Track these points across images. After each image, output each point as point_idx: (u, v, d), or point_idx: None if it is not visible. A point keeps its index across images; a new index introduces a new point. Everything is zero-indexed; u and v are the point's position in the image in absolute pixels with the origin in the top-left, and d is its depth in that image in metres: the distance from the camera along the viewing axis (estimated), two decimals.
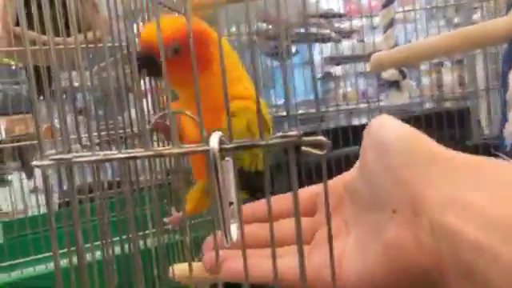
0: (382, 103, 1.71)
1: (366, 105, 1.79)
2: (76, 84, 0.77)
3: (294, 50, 2.04)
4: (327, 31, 1.98)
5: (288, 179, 0.29)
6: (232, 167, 0.33)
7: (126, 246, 0.57)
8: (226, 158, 0.33)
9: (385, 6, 0.81)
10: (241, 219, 0.32)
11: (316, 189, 0.36)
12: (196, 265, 0.40)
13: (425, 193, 0.25)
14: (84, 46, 0.66)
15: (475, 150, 1.52)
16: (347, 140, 1.59)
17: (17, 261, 1.07)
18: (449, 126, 1.56)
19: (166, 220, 0.66)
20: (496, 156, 0.65)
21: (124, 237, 0.62)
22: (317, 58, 2.15)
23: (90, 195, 0.42)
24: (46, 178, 0.34)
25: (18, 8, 0.36)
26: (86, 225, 0.41)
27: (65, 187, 0.96)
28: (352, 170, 0.32)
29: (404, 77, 0.78)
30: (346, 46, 2.45)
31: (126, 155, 0.33)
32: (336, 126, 1.74)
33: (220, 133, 0.31)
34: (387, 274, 0.26)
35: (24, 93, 1.49)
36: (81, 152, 0.36)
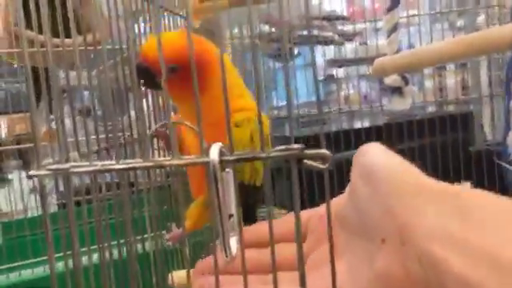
0: (384, 106, 1.70)
1: (367, 107, 1.78)
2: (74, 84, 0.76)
3: (296, 52, 2.04)
4: (330, 34, 1.97)
5: (289, 184, 0.29)
6: (232, 179, 0.32)
7: (125, 250, 0.57)
8: (227, 170, 0.32)
9: (389, 10, 0.80)
10: (241, 232, 0.32)
11: (306, 214, 0.36)
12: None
13: (412, 222, 0.25)
14: (83, 47, 0.66)
15: (478, 156, 1.51)
16: (349, 143, 1.58)
17: (15, 264, 1.06)
18: (452, 130, 1.55)
19: (166, 237, 0.66)
20: (499, 165, 0.64)
21: (122, 241, 0.62)
22: (319, 61, 2.15)
23: (88, 197, 0.41)
24: (42, 188, 0.33)
25: (17, 8, 0.35)
26: (84, 227, 0.41)
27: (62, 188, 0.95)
28: (342, 195, 0.32)
29: (406, 83, 0.78)
30: (348, 48, 2.44)
31: (125, 166, 0.32)
32: (338, 130, 1.73)
33: (220, 144, 0.30)
34: None
35: (25, 91, 1.48)
36: (79, 161, 0.36)
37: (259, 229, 0.37)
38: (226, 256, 0.31)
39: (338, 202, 0.32)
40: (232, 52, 1.48)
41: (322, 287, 0.28)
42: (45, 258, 1.04)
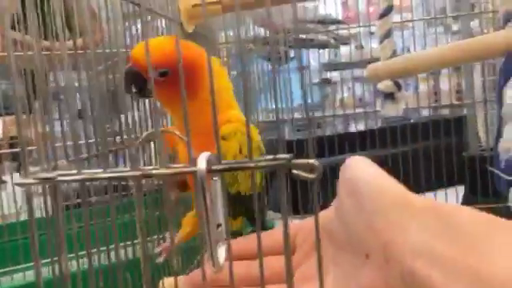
0: (377, 109, 1.71)
1: (362, 111, 1.78)
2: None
3: (292, 55, 2.04)
4: (325, 37, 1.97)
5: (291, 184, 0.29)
6: (220, 188, 0.32)
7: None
8: (214, 178, 0.32)
9: (382, 16, 0.80)
10: (229, 241, 0.31)
11: (295, 227, 0.36)
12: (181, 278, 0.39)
13: (396, 239, 0.26)
14: (73, 51, 0.65)
15: (471, 161, 1.51)
16: (343, 147, 1.59)
17: (6, 269, 1.06)
18: (445, 134, 1.55)
19: (157, 250, 0.66)
20: (492, 172, 0.64)
21: (112, 246, 0.61)
22: (314, 64, 2.15)
23: (78, 200, 0.41)
24: (29, 197, 0.33)
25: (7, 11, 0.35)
26: (72, 232, 0.40)
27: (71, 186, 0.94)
28: (329, 209, 0.32)
29: (399, 89, 0.78)
30: (343, 52, 2.45)
31: (112, 175, 0.32)
32: (332, 134, 1.73)
33: (208, 153, 0.30)
34: None
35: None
36: (67, 169, 0.35)
37: (248, 241, 0.37)
38: (214, 266, 0.31)
39: (325, 215, 0.32)
40: (227, 56, 1.47)
41: None
42: (45, 260, 1.03)
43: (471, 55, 0.67)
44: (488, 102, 1.51)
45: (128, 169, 0.32)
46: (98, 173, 0.32)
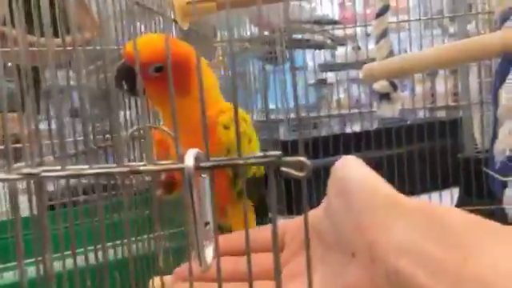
0: (373, 110, 1.70)
1: (358, 112, 1.78)
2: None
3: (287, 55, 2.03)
4: (321, 38, 1.97)
5: (280, 185, 0.29)
6: (209, 185, 0.31)
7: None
8: (203, 176, 0.31)
9: (378, 15, 0.80)
10: (217, 240, 0.31)
11: (284, 225, 0.36)
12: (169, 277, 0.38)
13: (381, 239, 0.26)
14: (69, 48, 0.64)
15: (466, 163, 1.51)
16: (338, 148, 1.58)
17: None
18: (441, 136, 1.55)
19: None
20: (486, 174, 0.64)
21: (99, 246, 0.60)
22: (310, 65, 2.14)
23: (62, 201, 0.40)
24: (13, 194, 0.32)
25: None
26: (58, 232, 0.40)
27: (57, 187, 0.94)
28: (319, 208, 0.32)
29: (395, 89, 0.77)
30: (339, 52, 2.44)
31: (98, 171, 0.31)
32: (327, 134, 1.73)
33: (197, 150, 0.30)
34: None
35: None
36: (52, 165, 0.35)
37: (236, 237, 0.37)
38: (200, 265, 0.30)
39: (315, 214, 0.32)
40: (222, 54, 1.47)
41: None
42: (27, 261, 1.02)
43: (468, 55, 0.67)
44: (484, 104, 1.50)
45: (115, 165, 0.31)
46: (84, 169, 0.31)
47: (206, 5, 0.71)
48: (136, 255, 0.63)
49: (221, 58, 1.42)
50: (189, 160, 0.29)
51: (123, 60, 0.60)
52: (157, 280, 0.57)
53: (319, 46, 1.99)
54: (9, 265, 1.04)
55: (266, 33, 1.79)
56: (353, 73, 2.23)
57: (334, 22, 2.00)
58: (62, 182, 0.57)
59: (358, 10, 1.86)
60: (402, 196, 0.28)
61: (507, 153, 0.60)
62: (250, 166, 0.70)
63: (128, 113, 0.78)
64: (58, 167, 0.31)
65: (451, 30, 2.04)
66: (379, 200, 0.27)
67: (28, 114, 0.41)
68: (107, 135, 0.68)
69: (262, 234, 0.35)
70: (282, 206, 1.39)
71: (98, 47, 0.67)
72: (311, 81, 2.35)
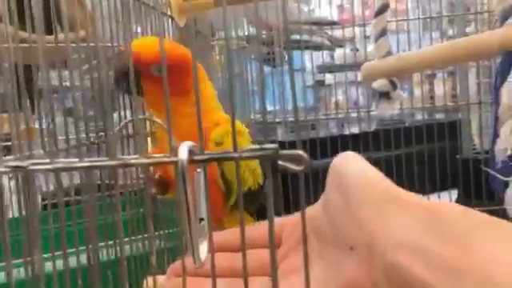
0: (372, 112, 1.70)
1: (356, 114, 1.77)
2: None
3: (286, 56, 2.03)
4: (319, 39, 1.96)
5: (282, 184, 0.28)
6: (203, 180, 0.30)
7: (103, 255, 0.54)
8: (198, 170, 0.31)
9: (377, 14, 0.79)
10: (211, 236, 0.30)
11: (280, 222, 0.36)
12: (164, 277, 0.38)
13: (379, 233, 0.26)
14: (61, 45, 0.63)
15: (465, 164, 1.51)
16: (335, 149, 1.57)
17: None
18: (439, 138, 1.54)
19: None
20: (486, 173, 0.63)
21: (101, 244, 0.59)
22: (308, 66, 2.14)
23: (53, 201, 0.39)
24: (1, 186, 0.31)
25: None
26: (49, 232, 0.39)
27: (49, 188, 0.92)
28: (317, 204, 0.32)
29: (395, 87, 0.76)
30: (337, 54, 2.44)
31: (88, 164, 0.30)
32: (325, 136, 1.72)
33: (190, 143, 0.29)
34: None
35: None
36: (42, 159, 0.34)
37: (233, 233, 0.36)
38: (195, 262, 0.29)
39: (313, 209, 0.32)
40: (219, 53, 1.46)
41: None
42: (17, 261, 1.00)
43: (467, 54, 0.66)
44: (482, 104, 1.50)
45: (106, 158, 0.30)
46: (74, 162, 0.30)
47: (203, 1, 0.70)
48: (131, 255, 0.62)
49: (218, 57, 1.41)
50: (182, 153, 0.28)
51: (123, 61, 0.59)
52: (151, 280, 0.56)
53: (317, 48, 1.99)
54: (1, 265, 1.02)
55: (264, 34, 1.79)
56: (351, 75, 2.23)
57: (332, 23, 2.00)
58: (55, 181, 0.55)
59: (356, 12, 1.85)
60: (400, 190, 0.28)
61: (508, 152, 0.59)
62: (250, 175, 0.70)
63: (123, 113, 0.77)
64: (47, 160, 0.30)
65: (450, 32, 2.04)
66: (378, 194, 0.27)
67: (16, 110, 0.40)
68: (101, 133, 0.67)
69: (258, 230, 0.35)
70: (280, 206, 1.39)
71: (92, 44, 0.66)
72: (309, 82, 2.35)
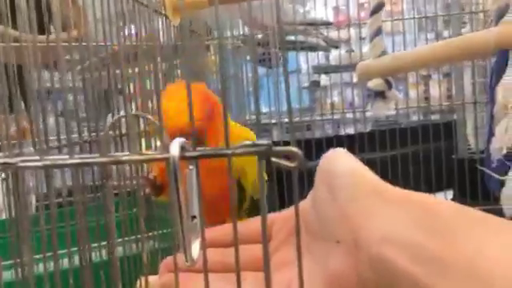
0: (368, 114, 1.70)
1: (351, 115, 1.77)
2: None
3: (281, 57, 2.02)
4: (315, 40, 1.96)
5: (277, 184, 0.28)
6: (195, 177, 0.30)
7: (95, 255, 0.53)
8: (190, 167, 0.30)
9: (372, 13, 0.79)
10: (203, 234, 0.29)
11: (271, 218, 0.36)
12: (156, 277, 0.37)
13: (365, 226, 0.26)
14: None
15: (460, 164, 1.51)
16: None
17: None
18: (435, 138, 1.55)
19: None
20: (482, 172, 0.63)
21: (94, 245, 0.58)
22: (304, 67, 2.14)
23: (45, 202, 0.39)
24: None
25: None
26: (41, 233, 0.38)
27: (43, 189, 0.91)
28: (306, 199, 0.33)
29: (390, 87, 0.76)
30: (332, 55, 2.44)
31: (79, 161, 0.30)
32: (320, 137, 1.72)
33: (182, 139, 0.28)
34: None
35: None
36: (32, 156, 0.33)
37: (224, 229, 0.37)
38: (187, 260, 0.29)
39: (302, 204, 0.32)
40: (215, 53, 1.46)
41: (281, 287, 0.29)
42: (7, 263, 0.99)
43: (463, 53, 0.66)
44: (478, 104, 1.50)
45: (96, 155, 0.30)
46: (64, 159, 0.30)
47: (197, 0, 0.69)
48: (124, 255, 0.61)
49: (213, 57, 1.41)
50: (174, 149, 0.28)
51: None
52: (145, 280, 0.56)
53: (313, 49, 1.99)
54: None
55: (260, 36, 1.79)
56: (346, 76, 2.23)
57: (327, 24, 2.00)
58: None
59: (351, 14, 1.85)
60: (387, 185, 0.28)
61: (504, 151, 0.59)
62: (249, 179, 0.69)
63: (117, 114, 0.76)
64: (37, 157, 0.30)
65: (445, 33, 2.04)
66: (364, 188, 0.28)
67: (4, 108, 0.39)
68: (93, 133, 0.66)
69: (250, 226, 0.35)
70: (275, 205, 1.38)
71: (84, 43, 0.66)
72: (305, 83, 2.35)
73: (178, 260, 0.30)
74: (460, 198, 1.51)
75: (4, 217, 1.21)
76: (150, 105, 0.71)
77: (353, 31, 1.91)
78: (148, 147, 0.67)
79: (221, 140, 0.60)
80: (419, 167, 1.51)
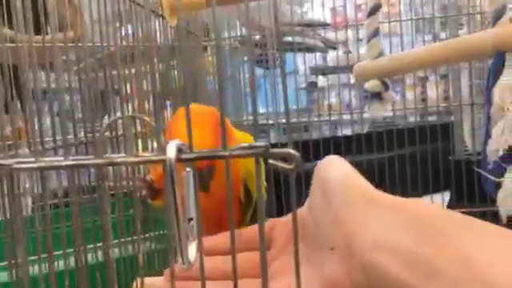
0: (365, 115, 1.70)
1: (349, 116, 1.77)
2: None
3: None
4: (312, 41, 1.96)
5: (274, 186, 0.28)
6: (192, 179, 0.30)
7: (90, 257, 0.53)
8: (187, 169, 0.30)
9: (369, 14, 0.79)
10: (200, 237, 0.29)
11: (272, 222, 0.36)
12: (160, 279, 0.37)
13: (357, 234, 0.27)
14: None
15: (457, 165, 1.51)
16: (328, 151, 1.57)
17: None
18: (432, 140, 1.55)
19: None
20: (479, 176, 0.63)
21: (90, 246, 0.58)
22: (301, 68, 2.14)
23: (41, 203, 0.38)
24: None
25: None
26: (36, 234, 0.38)
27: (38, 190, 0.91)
28: (304, 206, 0.33)
29: (387, 88, 0.76)
30: (330, 56, 2.44)
31: (73, 163, 0.30)
32: (318, 138, 1.72)
33: (177, 141, 0.28)
34: None
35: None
36: (27, 157, 0.33)
37: (225, 237, 0.36)
38: (183, 263, 0.28)
39: (299, 212, 0.32)
40: (212, 54, 1.45)
41: None
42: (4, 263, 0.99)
43: (460, 54, 0.66)
44: (475, 106, 1.50)
45: (91, 157, 0.30)
46: (59, 161, 0.30)
47: (194, 1, 0.69)
48: (120, 257, 0.61)
49: (210, 58, 1.41)
50: (171, 151, 0.27)
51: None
52: (142, 281, 0.56)
53: (310, 50, 1.99)
54: None
55: (258, 37, 1.78)
56: (344, 77, 2.23)
57: (324, 25, 2.00)
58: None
59: (349, 15, 1.86)
60: (378, 192, 0.29)
61: (500, 152, 0.59)
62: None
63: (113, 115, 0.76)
64: (32, 159, 0.30)
65: (442, 35, 2.05)
66: (357, 196, 0.29)
67: (1, 110, 0.39)
68: (89, 134, 0.66)
69: (252, 232, 0.36)
70: (272, 209, 1.38)
71: (80, 44, 0.65)
72: (302, 84, 2.35)
73: (177, 267, 0.30)
74: (457, 199, 1.51)
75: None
76: (146, 106, 0.71)
77: (350, 32, 1.91)
78: (145, 149, 0.67)
79: (234, 164, 0.58)
80: (416, 168, 1.51)
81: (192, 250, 0.29)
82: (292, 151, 0.26)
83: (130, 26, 0.81)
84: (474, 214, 0.27)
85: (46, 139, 0.50)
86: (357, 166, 0.33)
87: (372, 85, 0.75)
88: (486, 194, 0.84)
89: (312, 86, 2.47)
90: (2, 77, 0.41)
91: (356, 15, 1.89)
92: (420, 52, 0.73)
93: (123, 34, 0.87)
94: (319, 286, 0.28)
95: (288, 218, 0.35)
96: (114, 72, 0.78)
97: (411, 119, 1.94)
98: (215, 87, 1.36)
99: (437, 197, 1.50)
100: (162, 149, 0.28)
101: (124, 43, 0.85)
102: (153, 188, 0.67)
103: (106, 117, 0.83)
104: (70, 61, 0.71)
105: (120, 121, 0.71)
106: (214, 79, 1.40)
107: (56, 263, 0.47)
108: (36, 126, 0.50)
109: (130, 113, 0.76)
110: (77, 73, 0.71)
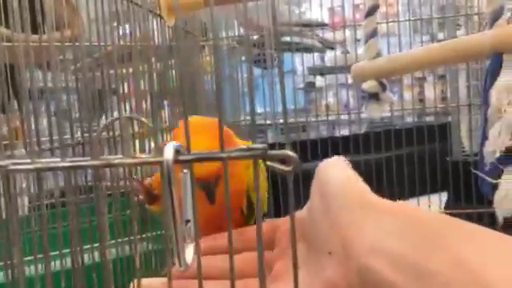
0: (362, 115, 1.70)
1: (346, 116, 1.77)
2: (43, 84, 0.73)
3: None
4: (310, 41, 1.96)
5: (272, 187, 0.28)
6: (190, 181, 0.30)
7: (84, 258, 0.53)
8: (185, 171, 0.30)
9: (367, 15, 0.79)
10: (197, 239, 0.29)
11: (274, 224, 0.37)
12: (158, 280, 0.37)
13: (354, 238, 0.28)
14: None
15: (455, 166, 1.51)
16: (326, 151, 1.57)
17: None
18: (429, 140, 1.55)
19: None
20: (476, 177, 0.63)
21: (86, 247, 0.58)
22: (299, 68, 2.14)
23: (37, 203, 0.38)
24: None
25: None
26: (32, 234, 0.38)
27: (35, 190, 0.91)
28: (304, 209, 0.33)
29: (384, 89, 0.76)
30: (328, 56, 2.44)
31: (70, 164, 0.29)
32: (316, 138, 1.72)
33: (175, 142, 0.28)
34: None
35: None
36: (24, 159, 0.33)
37: (222, 237, 0.37)
38: (180, 265, 0.28)
39: (299, 214, 0.33)
40: (209, 54, 1.45)
41: None
42: None
43: (458, 55, 0.66)
44: (472, 107, 1.51)
45: (87, 158, 0.29)
46: (55, 162, 0.30)
47: (192, 0, 0.69)
48: (117, 257, 0.61)
49: (208, 58, 1.40)
50: (168, 153, 0.27)
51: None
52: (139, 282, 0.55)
53: (308, 50, 1.99)
54: None
55: (256, 37, 1.78)
56: (342, 77, 2.23)
57: (323, 25, 2.00)
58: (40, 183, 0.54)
59: (347, 15, 1.86)
60: (375, 197, 0.29)
61: (497, 154, 0.59)
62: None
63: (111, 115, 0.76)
64: (28, 160, 0.29)
65: (440, 36, 2.05)
66: (354, 201, 0.29)
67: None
68: (86, 134, 0.66)
69: (248, 233, 0.36)
70: (270, 210, 1.38)
71: (77, 43, 0.65)
72: (300, 85, 2.35)
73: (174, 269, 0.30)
74: (454, 200, 1.51)
75: None
76: (144, 106, 0.71)
77: (348, 32, 1.91)
78: (142, 150, 0.67)
79: (238, 176, 0.55)
80: (414, 169, 1.51)
81: (189, 252, 0.29)
82: (290, 153, 0.26)
83: (127, 26, 0.81)
84: (471, 215, 0.27)
85: (43, 139, 0.50)
86: (354, 166, 0.33)
87: (369, 85, 0.75)
88: (483, 195, 0.84)
89: (310, 86, 2.47)
90: None
91: (354, 15, 1.89)
92: (418, 53, 0.73)
93: (121, 33, 0.87)
94: (319, 287, 0.29)
95: (287, 220, 0.35)
96: (112, 71, 0.78)
97: (409, 120, 1.94)
98: (213, 87, 1.35)
99: (434, 197, 1.50)
100: (160, 150, 0.27)
101: (121, 43, 0.85)
102: (150, 193, 0.66)
103: (104, 117, 0.83)
104: (67, 60, 0.70)
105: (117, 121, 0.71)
106: (211, 79, 1.40)
107: (52, 263, 0.47)
108: (33, 126, 0.50)
109: (128, 112, 0.76)
110: (74, 72, 0.71)
